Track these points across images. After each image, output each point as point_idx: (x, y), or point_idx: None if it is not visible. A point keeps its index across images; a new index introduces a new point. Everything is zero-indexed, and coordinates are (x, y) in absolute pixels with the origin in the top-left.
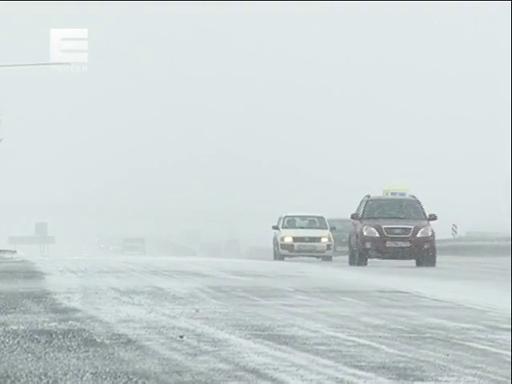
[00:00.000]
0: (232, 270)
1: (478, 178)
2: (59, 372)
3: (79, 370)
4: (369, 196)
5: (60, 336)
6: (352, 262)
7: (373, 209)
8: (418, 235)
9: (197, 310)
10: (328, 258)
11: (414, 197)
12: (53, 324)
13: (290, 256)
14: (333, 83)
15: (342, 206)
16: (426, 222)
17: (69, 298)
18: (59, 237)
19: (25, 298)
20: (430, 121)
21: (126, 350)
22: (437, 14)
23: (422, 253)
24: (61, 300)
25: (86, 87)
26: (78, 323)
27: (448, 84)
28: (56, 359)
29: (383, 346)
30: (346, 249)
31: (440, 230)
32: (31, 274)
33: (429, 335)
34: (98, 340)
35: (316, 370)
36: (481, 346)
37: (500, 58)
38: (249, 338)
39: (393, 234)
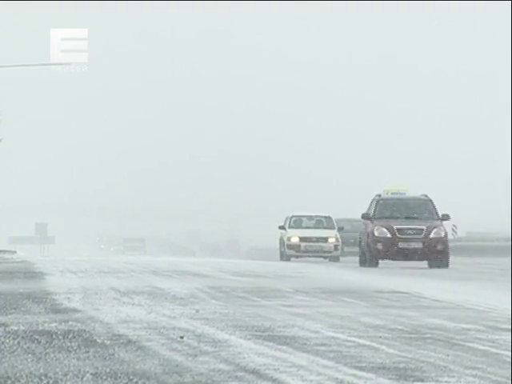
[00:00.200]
0: (232, 271)
1: (478, 178)
2: (59, 372)
3: (79, 370)
4: (380, 195)
5: (60, 336)
6: (363, 263)
7: (384, 208)
8: (431, 236)
9: (197, 311)
10: (335, 259)
11: (426, 196)
12: (53, 324)
13: (297, 256)
14: (333, 83)
15: (342, 206)
16: (438, 222)
17: (69, 298)
18: (59, 237)
19: (25, 299)
20: (430, 121)
21: (127, 351)
22: (437, 14)
23: (435, 254)
24: (61, 300)
25: (86, 87)
26: (79, 324)
27: (448, 84)
28: (56, 360)
29: (383, 347)
30: (354, 249)
31: None
32: (31, 274)
33: (429, 336)
34: (98, 341)
35: (316, 370)
36: (481, 347)
37: (500, 58)
38: (249, 339)
39: (405, 234)
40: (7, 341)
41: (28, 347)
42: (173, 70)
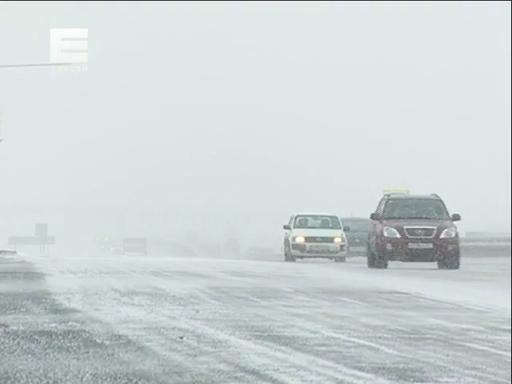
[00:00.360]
0: (232, 271)
1: (478, 178)
2: (59, 373)
3: (79, 370)
4: (389, 195)
5: (60, 337)
6: (371, 264)
7: (393, 208)
8: (442, 236)
9: (197, 311)
10: (341, 259)
11: (436, 195)
12: (53, 325)
13: (302, 257)
14: (333, 83)
15: (343, 206)
16: (449, 222)
17: (69, 298)
18: (59, 237)
19: (25, 299)
20: (430, 121)
21: (126, 351)
22: (437, 14)
23: (446, 255)
24: (61, 301)
25: (86, 87)
26: (78, 324)
27: (448, 84)
28: (56, 360)
29: (383, 347)
30: (360, 249)
31: None
32: (31, 274)
33: (429, 336)
34: (98, 341)
35: (316, 370)
36: (481, 347)
37: (500, 58)
38: (249, 339)
39: (415, 234)
40: (7, 341)
41: (28, 347)
42: (173, 70)
